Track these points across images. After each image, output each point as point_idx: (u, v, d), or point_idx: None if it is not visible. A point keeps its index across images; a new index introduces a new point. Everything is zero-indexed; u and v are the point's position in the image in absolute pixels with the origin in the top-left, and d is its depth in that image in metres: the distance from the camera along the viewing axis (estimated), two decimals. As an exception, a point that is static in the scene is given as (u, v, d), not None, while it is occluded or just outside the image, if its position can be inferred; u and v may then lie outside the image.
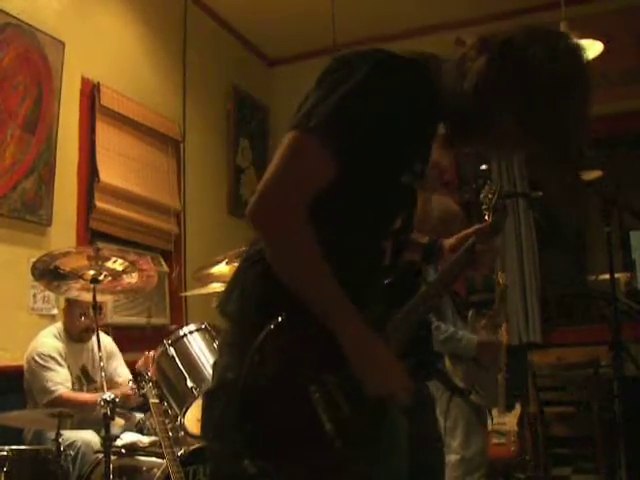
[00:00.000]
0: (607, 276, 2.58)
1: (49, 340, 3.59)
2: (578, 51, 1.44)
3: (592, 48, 4.46)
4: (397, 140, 1.44)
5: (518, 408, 4.96)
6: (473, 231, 1.79)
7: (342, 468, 1.38)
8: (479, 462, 3.55)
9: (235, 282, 1.53)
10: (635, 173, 7.55)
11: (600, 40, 4.37)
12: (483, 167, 6.46)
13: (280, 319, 1.35)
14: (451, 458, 3.47)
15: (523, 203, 5.58)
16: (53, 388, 3.39)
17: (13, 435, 3.24)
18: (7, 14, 3.79)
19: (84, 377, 3.65)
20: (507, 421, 4.82)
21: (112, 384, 3.58)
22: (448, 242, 1.85)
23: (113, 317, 4.42)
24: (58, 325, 3.70)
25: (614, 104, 5.45)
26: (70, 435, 3.21)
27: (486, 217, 1.84)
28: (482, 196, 1.91)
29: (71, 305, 3.63)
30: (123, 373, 3.80)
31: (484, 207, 1.85)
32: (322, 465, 1.37)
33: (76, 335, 3.67)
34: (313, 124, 1.36)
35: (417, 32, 5.74)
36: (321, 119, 1.36)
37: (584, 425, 4.49)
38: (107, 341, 3.86)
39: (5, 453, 2.72)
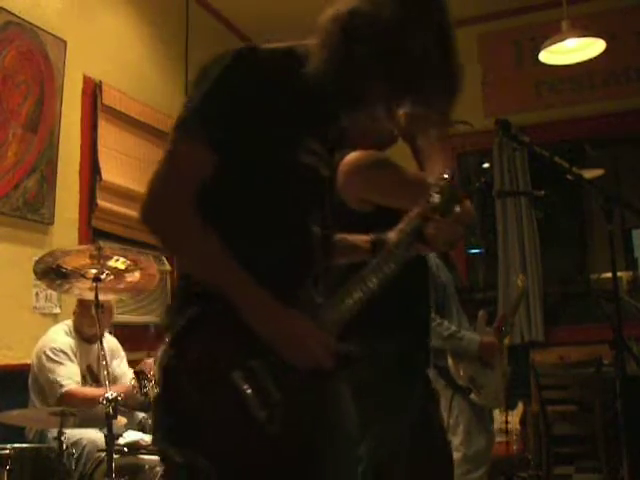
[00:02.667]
0: (609, 275, 2.58)
1: (61, 336, 3.60)
2: None
3: (595, 46, 4.46)
4: (272, 123, 1.47)
5: (520, 407, 4.97)
6: (415, 214, 1.71)
7: (279, 453, 1.38)
8: (481, 460, 3.56)
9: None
10: (638, 171, 7.54)
11: (603, 38, 4.36)
12: (485, 165, 6.46)
13: (191, 312, 1.40)
14: (453, 456, 3.48)
15: (525, 201, 5.58)
16: (64, 382, 3.40)
17: (15, 433, 3.25)
18: (9, 12, 3.79)
19: (89, 375, 3.66)
20: (509, 420, 4.82)
21: (115, 382, 3.59)
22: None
23: (116, 316, 4.42)
24: (68, 322, 3.71)
25: (617, 102, 5.45)
26: (75, 433, 3.22)
27: (434, 199, 1.70)
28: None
29: (84, 308, 3.62)
30: (126, 372, 3.81)
31: (435, 189, 1.75)
32: (257, 452, 1.36)
33: (85, 336, 3.69)
34: (178, 123, 1.47)
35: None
36: (185, 116, 1.47)
37: (586, 424, 4.49)
38: (112, 341, 3.88)
39: (7, 451, 2.73)
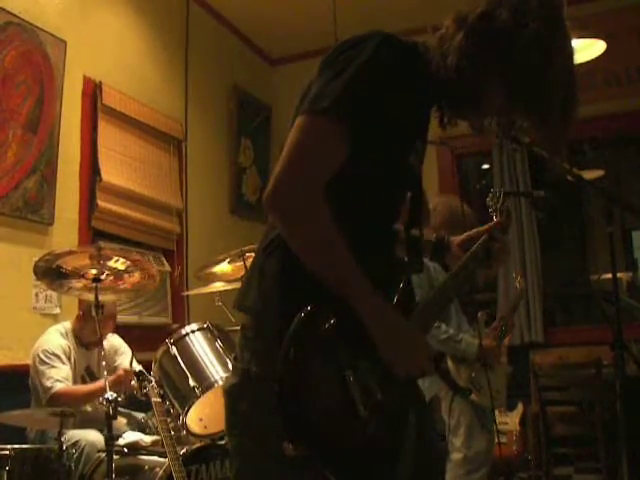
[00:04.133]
0: (609, 276, 2.58)
1: (54, 338, 3.59)
2: (548, 8, 1.44)
3: (595, 47, 4.46)
4: (402, 118, 1.45)
5: (520, 408, 4.97)
6: (486, 229, 1.82)
7: (373, 452, 1.39)
8: (482, 461, 3.56)
9: (252, 274, 1.51)
10: (638, 172, 7.54)
11: (603, 39, 4.36)
12: (485, 166, 6.46)
13: (310, 307, 1.34)
14: (454, 457, 3.48)
15: (525, 202, 5.58)
16: (52, 384, 3.38)
17: (16, 434, 3.24)
18: (9, 13, 3.79)
19: (88, 376, 3.66)
20: (509, 421, 4.82)
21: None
22: (456, 239, 1.87)
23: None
24: (66, 324, 3.71)
25: (617, 102, 5.45)
26: (74, 434, 3.22)
27: (494, 218, 1.88)
28: (488, 200, 1.95)
29: (85, 316, 3.61)
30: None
31: (491, 210, 1.88)
32: (356, 448, 1.37)
33: (85, 342, 3.69)
34: (324, 106, 1.36)
35: (419, 31, 5.74)
36: (332, 99, 1.35)
37: (586, 425, 4.49)
38: (117, 341, 3.88)
39: (7, 452, 2.73)
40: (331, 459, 1.34)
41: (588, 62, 4.65)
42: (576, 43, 4.39)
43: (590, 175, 5.58)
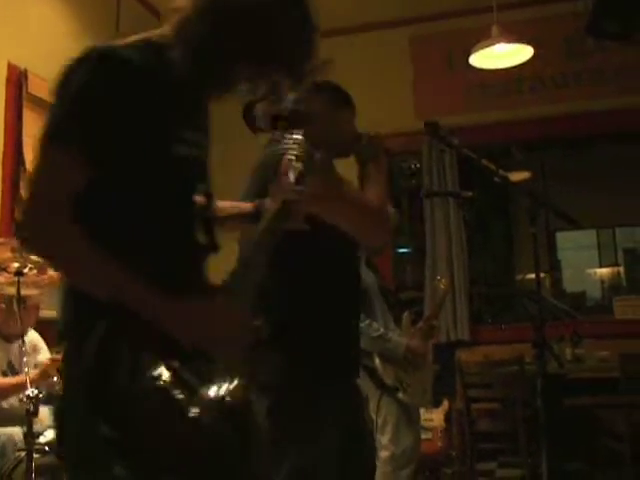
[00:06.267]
0: (534, 276, 2.64)
1: None
2: None
3: (523, 53, 4.57)
4: (145, 121, 1.46)
5: (445, 404, 5.05)
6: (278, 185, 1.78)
7: (213, 442, 1.37)
8: (409, 458, 3.61)
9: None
10: (564, 175, 7.77)
11: (531, 45, 4.47)
12: (414, 165, 6.53)
13: (100, 327, 1.34)
14: (382, 454, 3.51)
15: (453, 202, 5.66)
16: None
17: None
18: None
19: (10, 371, 3.57)
20: (434, 417, 4.90)
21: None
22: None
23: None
24: None
25: (544, 107, 5.59)
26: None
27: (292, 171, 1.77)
28: (287, 148, 1.87)
29: (6, 306, 3.51)
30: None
31: (292, 160, 1.81)
32: (203, 453, 1.35)
33: (5, 334, 3.59)
34: (53, 132, 1.41)
35: (352, 30, 5.78)
36: (55, 123, 1.42)
37: (508, 421, 4.59)
38: (35, 337, 3.78)
39: None
40: (177, 469, 1.33)
41: (516, 67, 4.76)
42: (505, 48, 4.51)
43: (517, 177, 5.72)
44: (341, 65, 4.87)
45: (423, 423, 4.32)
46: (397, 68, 5.85)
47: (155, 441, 1.32)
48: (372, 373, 3.54)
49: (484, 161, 2.55)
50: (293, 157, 1.72)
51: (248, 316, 1.48)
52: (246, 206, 1.95)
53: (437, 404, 4.91)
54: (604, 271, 11.62)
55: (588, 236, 11.72)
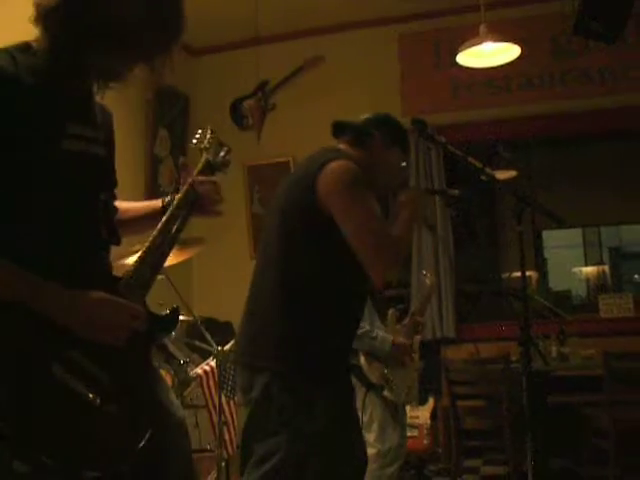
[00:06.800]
0: (519, 274, 2.65)
1: None
2: None
3: (510, 52, 4.58)
4: (25, 124, 1.47)
5: (431, 402, 5.07)
6: (189, 173, 1.89)
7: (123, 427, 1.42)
8: (395, 456, 3.61)
9: None
10: (550, 174, 7.78)
11: (518, 44, 4.47)
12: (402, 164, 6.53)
13: None
14: (368, 452, 3.51)
15: (440, 200, 5.66)
16: None
17: None
18: None
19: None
20: (420, 415, 4.91)
21: None
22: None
23: None
24: None
25: (531, 106, 5.61)
26: None
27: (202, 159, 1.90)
28: (194, 141, 1.98)
29: None
30: None
31: (199, 147, 1.91)
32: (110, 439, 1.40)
33: None
34: None
35: (340, 27, 5.77)
36: None
37: (494, 418, 4.60)
38: None
39: None
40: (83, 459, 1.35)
41: (503, 66, 4.77)
42: (492, 47, 4.51)
43: (503, 175, 5.73)
44: (329, 62, 4.89)
45: (409, 420, 4.32)
46: (384, 66, 5.85)
47: (50, 431, 1.32)
48: (357, 371, 3.54)
49: (470, 159, 2.56)
50: (203, 147, 1.80)
51: (137, 306, 1.53)
52: (156, 203, 2.03)
53: (423, 401, 4.92)
54: (589, 269, 11.68)
55: (574, 235, 11.78)
